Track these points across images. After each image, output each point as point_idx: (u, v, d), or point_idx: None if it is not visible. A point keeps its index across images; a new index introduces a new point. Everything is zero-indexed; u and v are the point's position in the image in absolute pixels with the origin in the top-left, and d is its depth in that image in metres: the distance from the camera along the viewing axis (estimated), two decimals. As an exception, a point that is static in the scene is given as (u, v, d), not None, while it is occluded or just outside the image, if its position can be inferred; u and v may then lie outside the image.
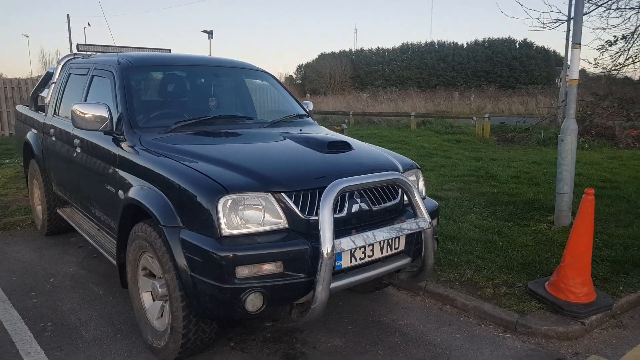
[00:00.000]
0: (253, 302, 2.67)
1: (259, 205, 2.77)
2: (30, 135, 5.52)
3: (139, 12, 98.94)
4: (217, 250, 2.62)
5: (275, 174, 2.91)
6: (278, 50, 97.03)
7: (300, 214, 2.82)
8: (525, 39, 54.79)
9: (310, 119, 4.47)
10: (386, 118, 19.65)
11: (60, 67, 5.22)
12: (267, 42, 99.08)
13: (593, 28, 20.32)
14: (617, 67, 9.77)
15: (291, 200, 2.82)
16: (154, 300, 3.28)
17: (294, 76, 61.71)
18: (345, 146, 3.41)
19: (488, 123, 14.64)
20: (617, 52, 9.24)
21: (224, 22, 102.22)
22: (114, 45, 5.54)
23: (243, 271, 2.63)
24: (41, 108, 5.50)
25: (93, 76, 4.33)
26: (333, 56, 55.87)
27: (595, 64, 9.83)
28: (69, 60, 5.22)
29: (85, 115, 3.57)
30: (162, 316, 3.22)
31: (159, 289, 3.12)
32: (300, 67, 62.39)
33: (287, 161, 3.17)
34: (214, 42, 20.88)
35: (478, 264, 4.48)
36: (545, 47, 54.75)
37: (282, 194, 2.81)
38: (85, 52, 5.35)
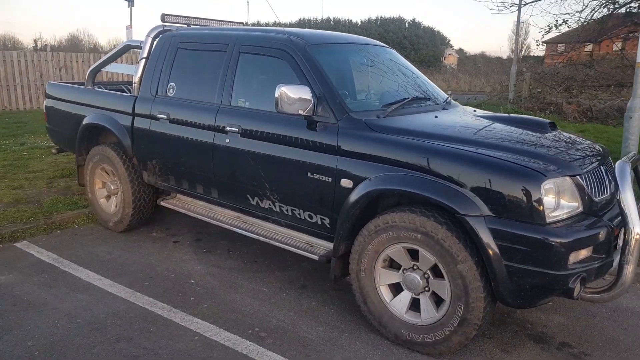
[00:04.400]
0: (578, 287, 2.70)
1: (566, 189, 2.78)
2: (102, 118, 4.81)
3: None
4: (552, 237, 2.60)
5: (563, 158, 2.94)
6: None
7: (592, 196, 2.89)
8: (414, 19, 57.70)
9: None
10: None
11: (150, 40, 4.60)
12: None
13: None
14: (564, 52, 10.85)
15: (584, 182, 2.87)
16: (395, 292, 3.17)
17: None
18: (555, 126, 3.56)
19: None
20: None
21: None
22: (197, 17, 4.97)
23: (575, 256, 2.65)
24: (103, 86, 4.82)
25: (240, 53, 3.90)
26: None
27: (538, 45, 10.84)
28: (159, 32, 4.61)
29: (292, 99, 3.26)
30: (419, 309, 3.10)
31: (419, 281, 3.03)
32: None
33: (551, 145, 3.18)
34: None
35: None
36: (432, 27, 58.18)
37: (578, 177, 2.85)
38: (175, 24, 4.76)
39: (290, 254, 4.42)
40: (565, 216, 2.73)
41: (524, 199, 2.66)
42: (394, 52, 4.49)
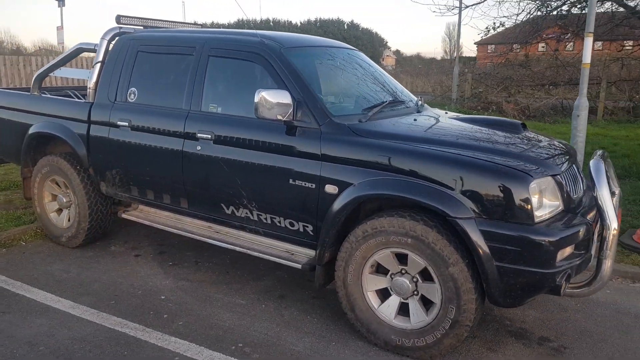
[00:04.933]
0: (564, 284, 2.77)
1: (549, 189, 2.85)
2: (52, 127, 4.48)
3: None
4: (541, 236, 2.65)
5: (544, 158, 3.01)
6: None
7: (570, 194, 2.98)
8: (352, 20, 58.60)
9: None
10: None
11: (105, 42, 4.32)
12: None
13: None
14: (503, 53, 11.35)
15: (563, 181, 2.96)
16: (382, 298, 3.14)
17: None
18: (525, 126, 3.68)
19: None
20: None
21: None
22: (152, 19, 4.73)
23: (561, 254, 2.72)
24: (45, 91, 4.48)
25: (210, 57, 3.73)
26: None
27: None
28: (115, 35, 4.35)
29: (272, 103, 3.16)
30: (407, 313, 3.08)
31: (409, 285, 3.02)
32: None
33: (530, 146, 3.25)
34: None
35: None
36: (370, 29, 59.39)
37: (558, 176, 2.93)
38: (130, 26, 4.50)
39: (262, 263, 4.31)
40: (548, 215, 2.80)
41: (513, 200, 2.69)
42: (362, 54, 4.47)
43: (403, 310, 3.12)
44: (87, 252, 4.62)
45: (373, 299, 3.18)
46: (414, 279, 3.03)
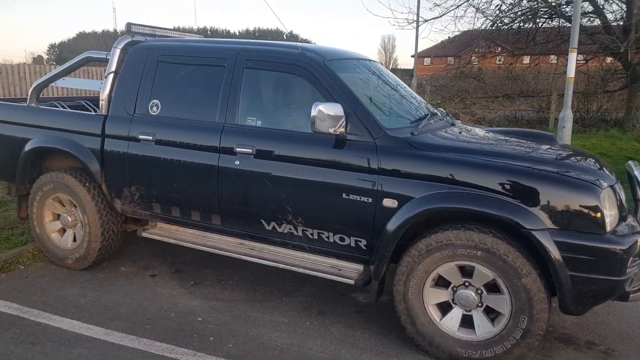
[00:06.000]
0: (632, 290, 2.88)
1: (611, 199, 2.96)
2: (57, 141, 4.16)
3: None
4: (615, 245, 2.75)
5: (597, 169, 3.14)
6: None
7: (623, 203, 3.12)
8: (291, 31, 58.99)
9: None
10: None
11: (118, 51, 4.08)
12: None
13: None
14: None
15: (619, 191, 3.10)
16: (442, 311, 3.15)
17: (47, 56, 54.54)
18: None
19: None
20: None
21: None
22: (160, 27, 4.52)
23: (630, 261, 2.83)
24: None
25: (245, 69, 3.60)
26: (95, 36, 51.66)
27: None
28: (128, 44, 4.11)
29: (327, 116, 3.11)
30: (469, 325, 3.09)
31: (474, 297, 3.04)
32: (53, 46, 56.00)
33: (578, 157, 3.37)
34: None
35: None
36: (309, 40, 59.97)
37: (614, 186, 3.07)
38: (144, 34, 4.28)
39: (288, 279, 4.24)
40: (614, 225, 2.91)
41: (586, 210, 2.78)
42: (381, 66, 4.49)
43: (465, 322, 3.13)
44: (97, 274, 4.32)
45: (434, 313, 3.17)
46: (479, 291, 3.05)
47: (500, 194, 2.91)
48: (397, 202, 3.12)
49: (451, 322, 3.14)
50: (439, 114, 4.07)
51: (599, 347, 3.40)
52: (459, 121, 4.21)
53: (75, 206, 4.28)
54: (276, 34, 57.06)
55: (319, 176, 3.31)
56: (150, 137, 3.81)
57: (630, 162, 3.53)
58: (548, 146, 3.57)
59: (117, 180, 4.01)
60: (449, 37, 12.72)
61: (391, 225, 3.13)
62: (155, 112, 3.87)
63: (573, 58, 6.27)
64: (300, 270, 3.52)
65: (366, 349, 3.29)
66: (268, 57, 3.61)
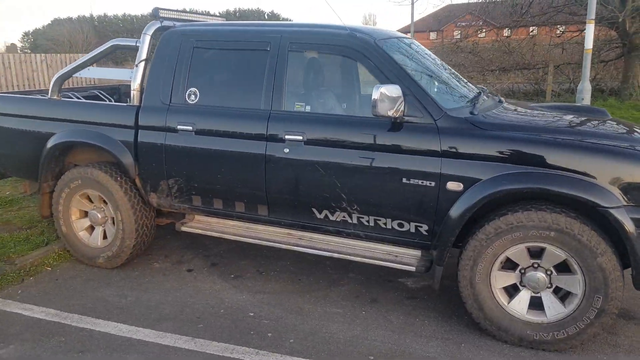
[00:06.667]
0: None
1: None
2: (86, 135, 3.95)
3: None
4: None
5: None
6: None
7: None
8: (272, 11, 58.20)
9: None
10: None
11: (148, 38, 3.87)
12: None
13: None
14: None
15: None
16: (508, 294, 3.08)
17: (21, 44, 53.07)
18: None
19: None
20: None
21: None
22: (186, 11, 4.31)
23: None
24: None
25: (289, 52, 3.44)
26: (71, 22, 50.23)
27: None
28: (158, 29, 3.91)
29: (388, 98, 2.98)
30: (538, 307, 3.04)
31: (545, 278, 2.98)
32: (27, 34, 54.29)
33: (635, 131, 3.29)
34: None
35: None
36: (290, 19, 59.18)
37: None
38: (171, 19, 4.06)
39: (330, 266, 4.14)
40: None
41: (656, 186, 2.72)
42: (419, 43, 4.35)
43: (533, 304, 3.07)
44: (131, 272, 4.16)
45: (502, 296, 3.10)
46: (548, 272, 2.99)
47: (573, 173, 2.82)
48: (462, 185, 3.02)
49: (520, 305, 3.08)
50: (486, 91, 3.96)
51: (661, 322, 3.38)
52: (504, 98, 4.11)
53: (105, 202, 4.10)
54: (257, 14, 56.14)
55: (375, 161, 3.19)
56: (190, 127, 3.63)
57: None
58: (604, 121, 3.50)
59: (153, 173, 3.84)
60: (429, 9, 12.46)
61: (456, 209, 3.03)
62: (193, 101, 3.68)
63: (591, 29, 6.20)
64: (357, 259, 3.42)
65: (431, 337, 3.22)
66: (314, 39, 3.44)
